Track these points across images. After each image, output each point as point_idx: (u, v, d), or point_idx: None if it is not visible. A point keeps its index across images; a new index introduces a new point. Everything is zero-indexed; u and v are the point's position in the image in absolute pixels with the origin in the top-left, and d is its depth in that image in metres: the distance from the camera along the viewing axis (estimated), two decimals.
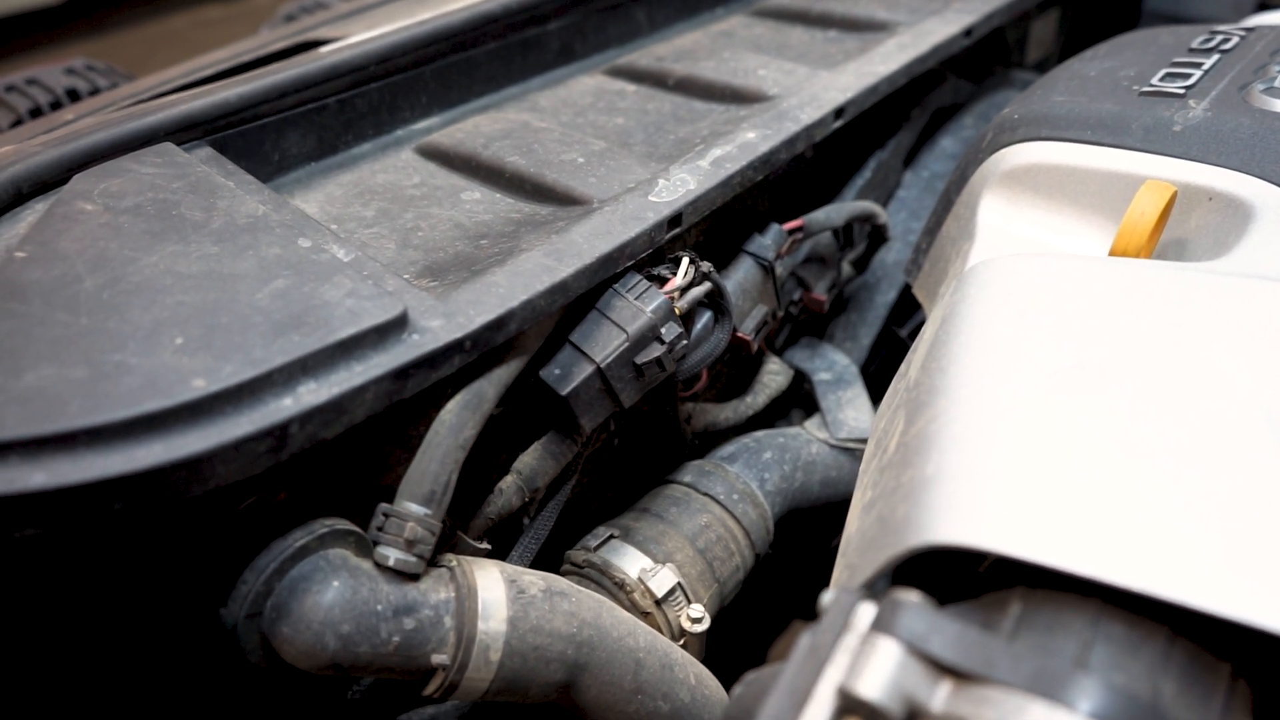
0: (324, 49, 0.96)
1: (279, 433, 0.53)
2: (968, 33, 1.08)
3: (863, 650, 0.42)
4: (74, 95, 1.25)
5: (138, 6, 5.66)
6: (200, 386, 0.52)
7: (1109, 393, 0.48)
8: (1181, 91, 0.76)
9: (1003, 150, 0.79)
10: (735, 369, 1.01)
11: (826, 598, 0.47)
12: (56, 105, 1.23)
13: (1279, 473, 0.42)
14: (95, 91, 1.26)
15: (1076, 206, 0.75)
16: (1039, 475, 0.45)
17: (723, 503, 0.85)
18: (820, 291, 0.98)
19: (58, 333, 0.53)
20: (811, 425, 0.97)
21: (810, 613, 1.30)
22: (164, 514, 0.54)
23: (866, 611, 0.45)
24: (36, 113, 1.21)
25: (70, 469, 0.48)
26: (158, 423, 0.50)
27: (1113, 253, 0.65)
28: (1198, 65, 0.80)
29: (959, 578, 0.52)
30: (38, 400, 0.50)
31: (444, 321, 0.61)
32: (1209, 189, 0.67)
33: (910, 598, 0.43)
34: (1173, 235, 0.70)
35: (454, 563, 0.64)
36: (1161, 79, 0.78)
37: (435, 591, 0.61)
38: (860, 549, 0.55)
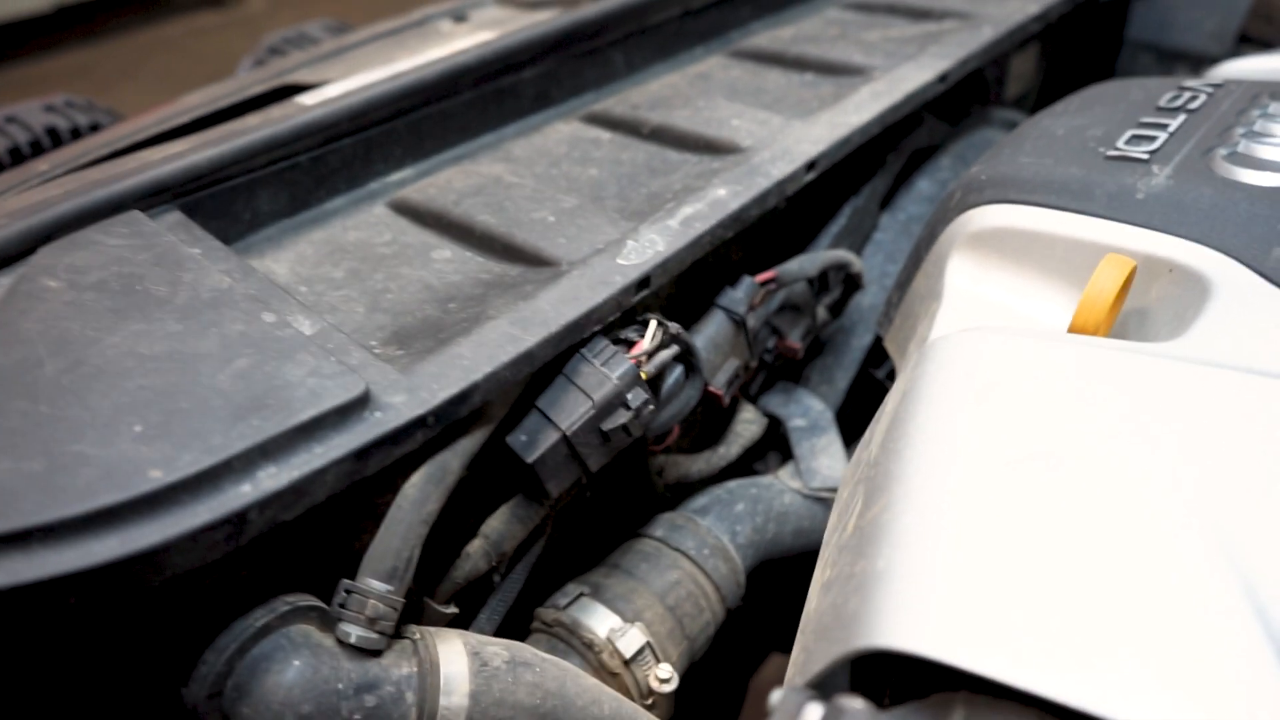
0: (299, 99, 0.96)
1: (237, 520, 0.53)
2: (943, 78, 1.08)
3: None
4: (53, 134, 1.25)
5: (131, 14, 5.64)
6: (158, 477, 0.52)
7: (1060, 491, 0.48)
8: (1145, 156, 0.76)
9: (970, 211, 0.79)
10: (708, 419, 1.01)
11: (775, 697, 0.47)
12: (35, 144, 1.23)
13: (1219, 595, 0.42)
14: (75, 129, 1.27)
15: (1041, 271, 0.75)
16: (984, 580, 0.45)
17: (693, 558, 0.85)
18: (795, 339, 0.99)
19: (15, 423, 0.54)
20: (785, 474, 0.97)
21: (784, 647, 1.30)
22: (122, 602, 0.54)
23: (813, 714, 0.45)
24: (15, 152, 1.21)
25: (24, 567, 0.48)
26: (114, 516, 0.50)
27: (1072, 328, 0.65)
28: (1163, 127, 0.80)
29: (909, 670, 0.52)
30: None
31: (406, 397, 0.62)
32: (1169, 260, 0.68)
33: (854, 704, 0.44)
34: (1135, 304, 0.70)
35: (417, 635, 0.65)
36: (1127, 142, 0.79)
37: (397, 667, 0.62)
38: (816, 634, 0.55)
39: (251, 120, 0.88)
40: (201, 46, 5.26)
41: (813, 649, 0.54)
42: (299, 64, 1.15)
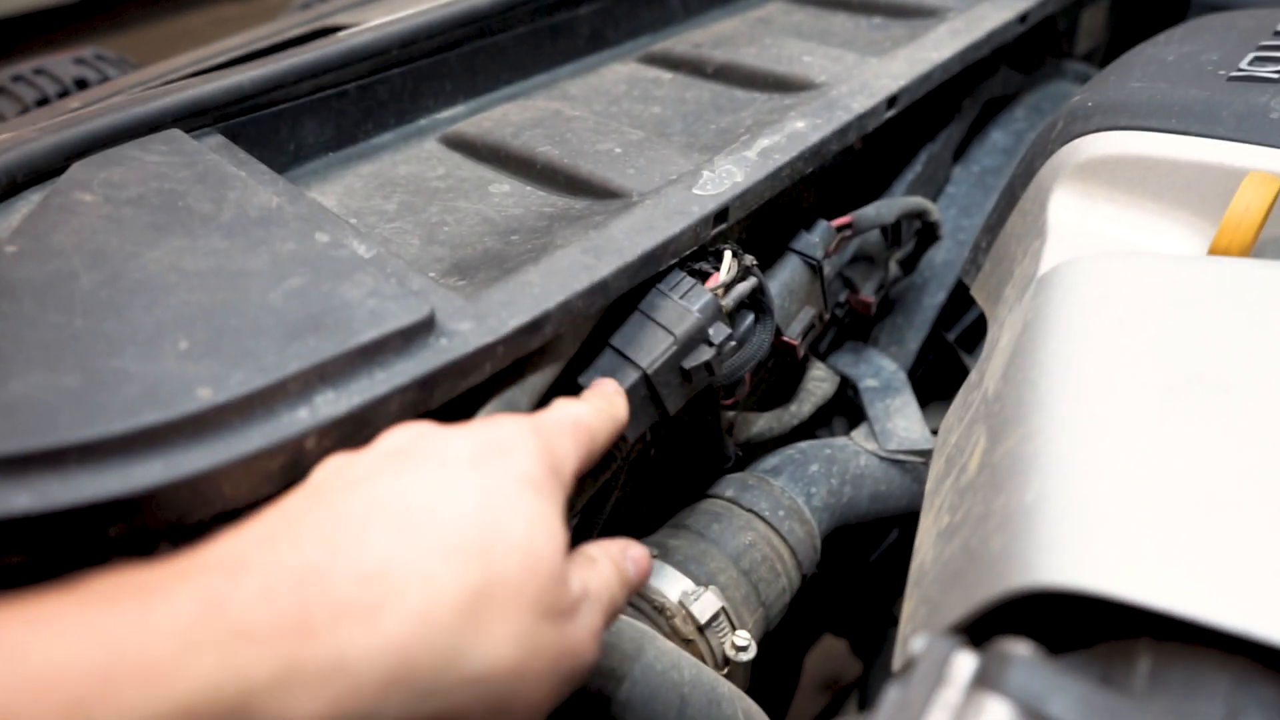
0: (343, 33, 0.90)
1: (294, 448, 0.48)
2: (1022, 19, 1.01)
3: (966, 709, 0.36)
4: (83, 85, 1.20)
5: (154, 4, 5.63)
6: (206, 396, 0.46)
7: (1240, 413, 0.42)
8: (1275, 76, 0.69)
9: (1076, 141, 0.73)
10: (778, 375, 0.95)
11: (917, 644, 0.41)
12: (64, 95, 1.19)
13: None
14: (106, 82, 1.22)
15: (1160, 201, 0.69)
16: (1168, 507, 0.39)
17: (768, 519, 0.79)
18: (868, 293, 0.92)
19: (50, 335, 0.48)
20: (859, 435, 0.91)
21: (843, 628, 1.24)
22: (167, 539, 0.49)
23: (965, 662, 0.39)
24: (44, 103, 1.16)
25: (60, 490, 0.43)
26: (158, 437, 0.45)
27: (1213, 251, 0.59)
28: None
29: (1058, 616, 0.46)
30: (25, 411, 0.44)
31: (474, 324, 0.56)
32: None
33: (1020, 649, 0.38)
34: (1271, 231, 0.63)
35: None
36: (1251, 63, 0.72)
37: None
38: (942, 582, 0.49)
39: (294, 51, 0.82)
40: (224, 37, 5.24)
41: (939, 598, 0.48)
42: (340, 8, 1.10)
